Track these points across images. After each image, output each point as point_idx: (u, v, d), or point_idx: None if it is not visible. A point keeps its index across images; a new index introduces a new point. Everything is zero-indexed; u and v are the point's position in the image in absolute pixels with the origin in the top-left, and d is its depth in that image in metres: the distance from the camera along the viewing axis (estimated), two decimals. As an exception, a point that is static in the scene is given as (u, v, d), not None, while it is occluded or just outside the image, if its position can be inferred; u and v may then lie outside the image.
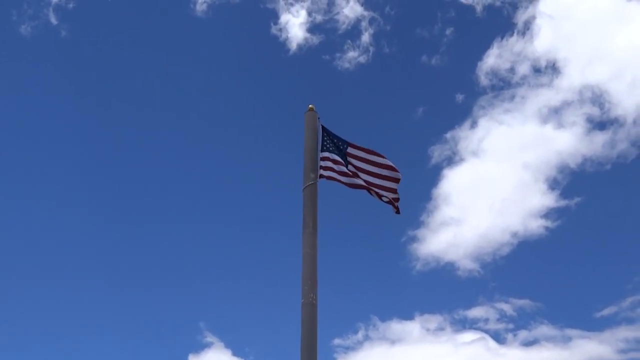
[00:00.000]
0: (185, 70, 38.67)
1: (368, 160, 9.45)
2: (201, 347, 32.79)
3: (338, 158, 9.26)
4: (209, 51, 38.39)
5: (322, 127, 9.37)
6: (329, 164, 9.14)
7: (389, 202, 9.50)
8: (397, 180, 9.52)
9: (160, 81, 38.38)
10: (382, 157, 9.49)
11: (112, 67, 37.25)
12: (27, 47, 35.14)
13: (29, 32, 34.23)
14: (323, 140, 9.29)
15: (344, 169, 9.26)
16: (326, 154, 9.19)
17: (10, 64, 36.00)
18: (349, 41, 35.89)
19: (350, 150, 9.38)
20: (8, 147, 35.75)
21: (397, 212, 9.54)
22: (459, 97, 36.31)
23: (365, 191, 9.52)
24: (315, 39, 35.51)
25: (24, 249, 35.17)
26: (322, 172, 9.02)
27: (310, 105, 9.37)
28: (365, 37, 35.76)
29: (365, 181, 9.35)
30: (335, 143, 9.34)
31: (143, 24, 37.68)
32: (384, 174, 9.48)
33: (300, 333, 8.11)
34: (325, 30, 35.81)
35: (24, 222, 35.40)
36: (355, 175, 9.34)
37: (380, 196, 9.47)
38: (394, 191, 9.50)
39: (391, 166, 9.48)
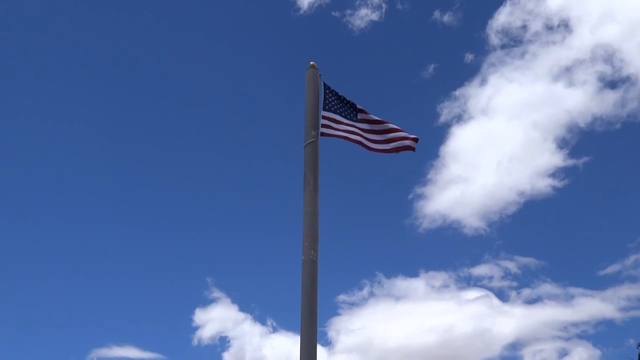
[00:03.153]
0: (195, 26, 38.44)
1: (378, 121, 9.36)
2: (208, 302, 33.38)
3: (339, 118, 9.16)
4: (220, 8, 38.06)
5: (325, 85, 9.26)
6: (330, 123, 9.07)
7: (398, 149, 9.37)
8: (412, 139, 9.41)
9: (168, 34, 38.19)
10: (395, 128, 9.36)
11: (118, 16, 37.05)
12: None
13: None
14: (325, 98, 9.20)
15: (344, 127, 9.17)
16: (327, 114, 9.10)
17: (15, 14, 35.82)
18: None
19: (360, 116, 9.30)
20: (8, 98, 35.82)
21: (413, 149, 9.38)
22: (469, 55, 36.02)
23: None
24: (326, -4, 35.07)
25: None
26: (323, 129, 8.97)
27: (311, 62, 9.26)
28: (378, -6, 35.30)
29: (376, 140, 9.28)
30: (341, 100, 9.24)
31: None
32: (397, 136, 9.40)
33: (301, 290, 8.18)
34: (337, -13, 35.36)
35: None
36: (369, 132, 9.26)
37: (387, 147, 9.35)
38: (408, 139, 9.39)
39: (403, 131, 9.37)
